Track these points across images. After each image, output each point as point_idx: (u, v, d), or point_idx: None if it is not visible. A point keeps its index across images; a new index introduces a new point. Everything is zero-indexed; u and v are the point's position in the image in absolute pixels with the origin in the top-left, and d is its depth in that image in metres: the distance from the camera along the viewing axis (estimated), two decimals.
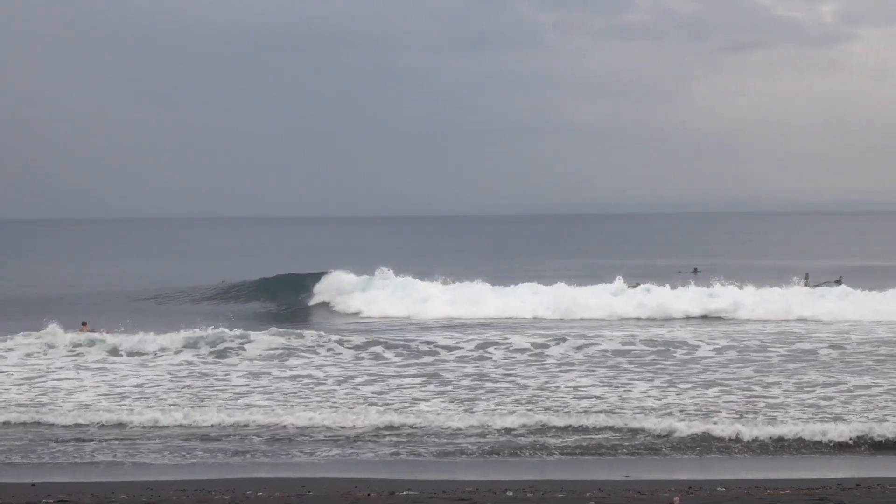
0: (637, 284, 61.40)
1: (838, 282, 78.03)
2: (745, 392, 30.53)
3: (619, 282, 59.39)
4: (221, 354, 38.41)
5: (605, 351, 38.66)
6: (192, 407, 29.28)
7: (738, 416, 27.00)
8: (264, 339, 39.70)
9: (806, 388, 30.88)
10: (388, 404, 29.65)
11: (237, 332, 40.53)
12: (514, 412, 27.85)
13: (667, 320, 52.03)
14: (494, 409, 28.50)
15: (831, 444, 24.46)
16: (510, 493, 19.47)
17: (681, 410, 27.95)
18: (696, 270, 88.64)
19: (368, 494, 19.41)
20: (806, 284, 70.49)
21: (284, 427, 27.10)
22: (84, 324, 47.76)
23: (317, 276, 63.55)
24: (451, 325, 49.94)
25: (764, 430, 25.17)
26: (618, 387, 31.79)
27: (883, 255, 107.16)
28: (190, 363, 37.28)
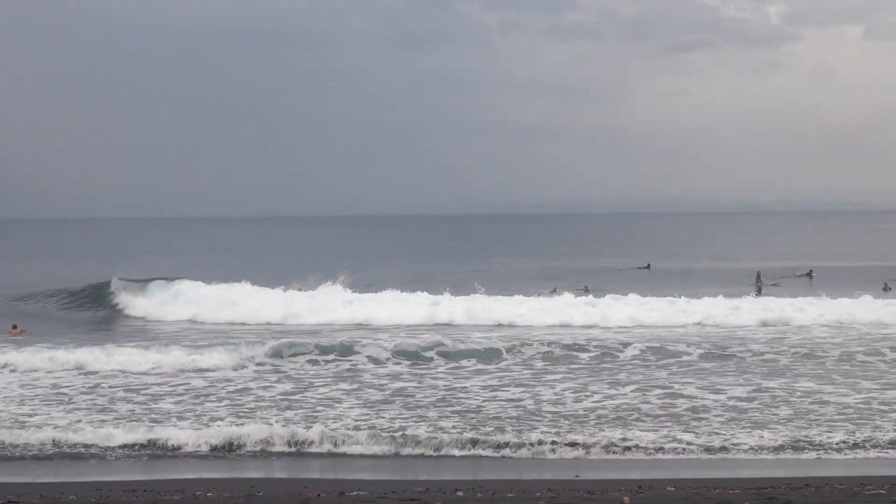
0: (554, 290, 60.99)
1: (809, 274, 79.51)
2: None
3: (424, 294, 55.17)
4: None
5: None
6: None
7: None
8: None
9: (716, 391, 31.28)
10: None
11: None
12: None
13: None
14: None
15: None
16: (460, 493, 19.44)
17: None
18: (648, 266, 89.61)
19: (318, 495, 19.35)
20: (758, 285, 71.18)
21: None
22: (14, 326, 47.42)
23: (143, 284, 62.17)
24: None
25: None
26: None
27: (818, 257, 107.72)
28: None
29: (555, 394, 31.01)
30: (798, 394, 30.53)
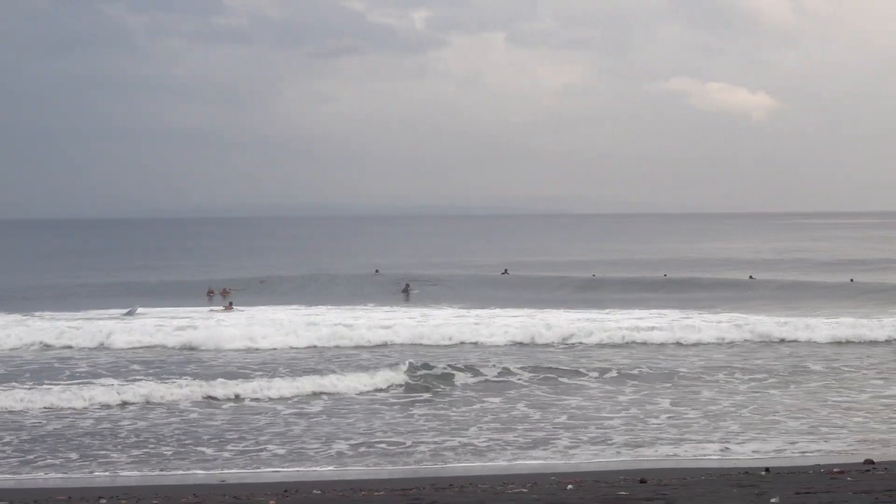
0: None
1: (505, 272, 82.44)
2: None
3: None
4: None
5: None
6: None
7: None
8: None
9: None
10: None
11: None
12: None
13: None
14: None
15: None
16: (104, 501, 18.97)
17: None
18: (262, 281, 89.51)
19: None
20: (406, 291, 72.78)
21: None
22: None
23: None
24: None
25: None
26: None
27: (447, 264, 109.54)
28: None
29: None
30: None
